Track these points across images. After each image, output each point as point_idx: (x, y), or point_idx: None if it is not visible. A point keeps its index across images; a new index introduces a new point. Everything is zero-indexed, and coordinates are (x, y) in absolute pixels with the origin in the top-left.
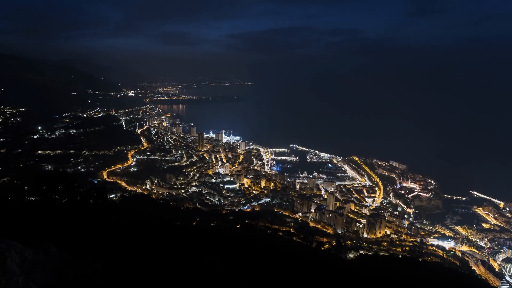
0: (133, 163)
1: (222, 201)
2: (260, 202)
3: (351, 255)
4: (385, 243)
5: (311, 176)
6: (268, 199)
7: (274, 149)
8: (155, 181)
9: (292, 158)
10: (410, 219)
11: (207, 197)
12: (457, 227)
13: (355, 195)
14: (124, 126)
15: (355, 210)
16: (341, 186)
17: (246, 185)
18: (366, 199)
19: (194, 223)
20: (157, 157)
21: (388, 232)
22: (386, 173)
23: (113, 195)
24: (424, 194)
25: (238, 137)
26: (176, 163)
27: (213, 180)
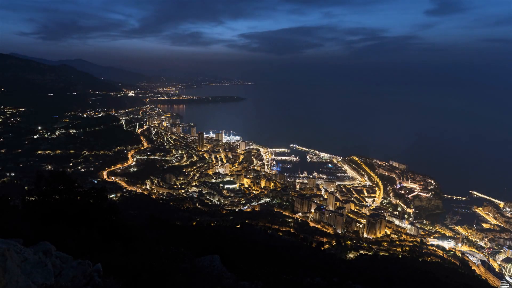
0: (133, 163)
1: (222, 201)
2: (260, 202)
3: (351, 255)
4: (385, 243)
5: (311, 176)
6: (268, 199)
7: (274, 149)
8: (155, 181)
9: (292, 158)
10: (410, 219)
11: (207, 197)
12: (457, 227)
13: (355, 195)
14: (124, 126)
15: (355, 210)
16: (341, 186)
17: (246, 185)
18: (366, 199)
19: (194, 223)
20: (157, 157)
21: (388, 232)
22: (386, 173)
23: (113, 195)
24: (424, 194)
25: (238, 137)
26: (176, 163)
27: (213, 180)
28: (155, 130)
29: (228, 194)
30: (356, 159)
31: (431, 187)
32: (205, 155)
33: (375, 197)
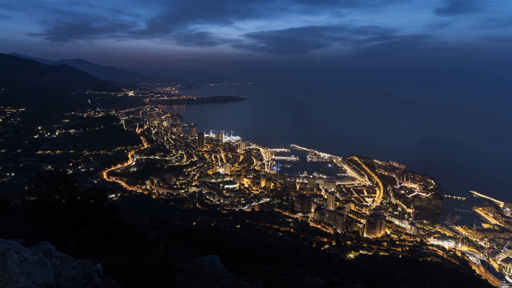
0: (133, 163)
1: (222, 201)
2: (260, 202)
3: (351, 255)
4: (385, 243)
5: (311, 176)
6: (268, 199)
7: (274, 149)
8: (155, 181)
9: (292, 158)
10: (410, 219)
11: (207, 197)
12: (457, 227)
13: (355, 195)
14: (124, 126)
15: (355, 210)
16: (341, 186)
17: (246, 185)
18: (366, 199)
19: (194, 223)
20: (157, 157)
21: (388, 232)
22: (386, 173)
23: (113, 195)
24: (424, 194)
25: (238, 137)
26: (176, 163)
27: (213, 180)
28: (155, 130)
29: (228, 194)
30: (356, 159)
31: (431, 187)
32: (205, 155)
33: (375, 197)
